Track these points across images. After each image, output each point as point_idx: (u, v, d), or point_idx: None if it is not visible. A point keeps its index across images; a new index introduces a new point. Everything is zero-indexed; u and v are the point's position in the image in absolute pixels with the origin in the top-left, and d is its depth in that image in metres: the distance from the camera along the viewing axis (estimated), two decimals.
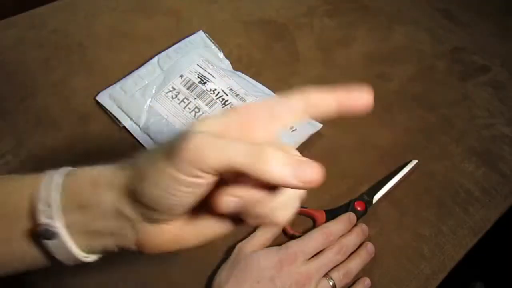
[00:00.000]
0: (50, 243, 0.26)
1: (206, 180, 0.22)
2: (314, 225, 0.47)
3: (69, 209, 0.25)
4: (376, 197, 0.49)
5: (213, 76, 0.55)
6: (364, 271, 0.44)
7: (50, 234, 0.25)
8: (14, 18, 0.67)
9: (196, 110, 0.53)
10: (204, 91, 0.54)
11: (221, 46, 0.63)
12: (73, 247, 0.26)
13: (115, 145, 0.53)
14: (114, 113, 0.54)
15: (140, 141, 0.53)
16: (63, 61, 0.62)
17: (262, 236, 0.43)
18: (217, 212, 0.23)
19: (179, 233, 0.27)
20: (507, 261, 0.84)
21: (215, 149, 0.21)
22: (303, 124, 0.53)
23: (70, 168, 0.27)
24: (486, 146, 0.55)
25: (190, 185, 0.22)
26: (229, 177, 0.22)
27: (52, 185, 0.26)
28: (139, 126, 0.53)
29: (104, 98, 0.56)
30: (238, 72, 0.60)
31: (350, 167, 0.52)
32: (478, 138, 0.56)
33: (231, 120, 0.24)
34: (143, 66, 0.58)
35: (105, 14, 0.69)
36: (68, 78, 0.60)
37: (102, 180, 0.26)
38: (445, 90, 0.61)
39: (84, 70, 0.61)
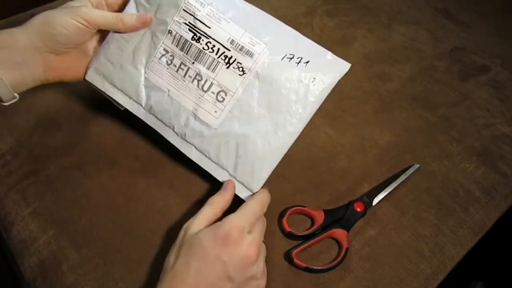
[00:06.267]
0: None
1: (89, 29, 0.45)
2: (312, 224, 0.47)
3: None
4: (376, 200, 0.48)
5: (206, 26, 0.45)
6: (364, 271, 0.44)
7: None
8: (14, 18, 0.67)
9: (198, 78, 0.45)
10: (200, 50, 0.45)
11: None
12: (4, 80, 0.42)
13: (115, 145, 0.53)
14: (107, 92, 0.49)
15: (148, 123, 0.48)
16: None
17: (209, 212, 0.41)
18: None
19: (73, 64, 0.47)
20: (507, 261, 0.84)
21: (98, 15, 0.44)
22: (327, 67, 0.44)
23: None
24: (486, 146, 0.55)
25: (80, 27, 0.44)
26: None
27: None
28: (141, 105, 0.48)
29: (92, 75, 0.49)
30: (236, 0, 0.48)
31: (350, 167, 0.52)
32: (478, 138, 0.56)
33: None
34: None
35: None
36: None
37: (15, 29, 0.43)
38: (445, 90, 0.61)
39: None
